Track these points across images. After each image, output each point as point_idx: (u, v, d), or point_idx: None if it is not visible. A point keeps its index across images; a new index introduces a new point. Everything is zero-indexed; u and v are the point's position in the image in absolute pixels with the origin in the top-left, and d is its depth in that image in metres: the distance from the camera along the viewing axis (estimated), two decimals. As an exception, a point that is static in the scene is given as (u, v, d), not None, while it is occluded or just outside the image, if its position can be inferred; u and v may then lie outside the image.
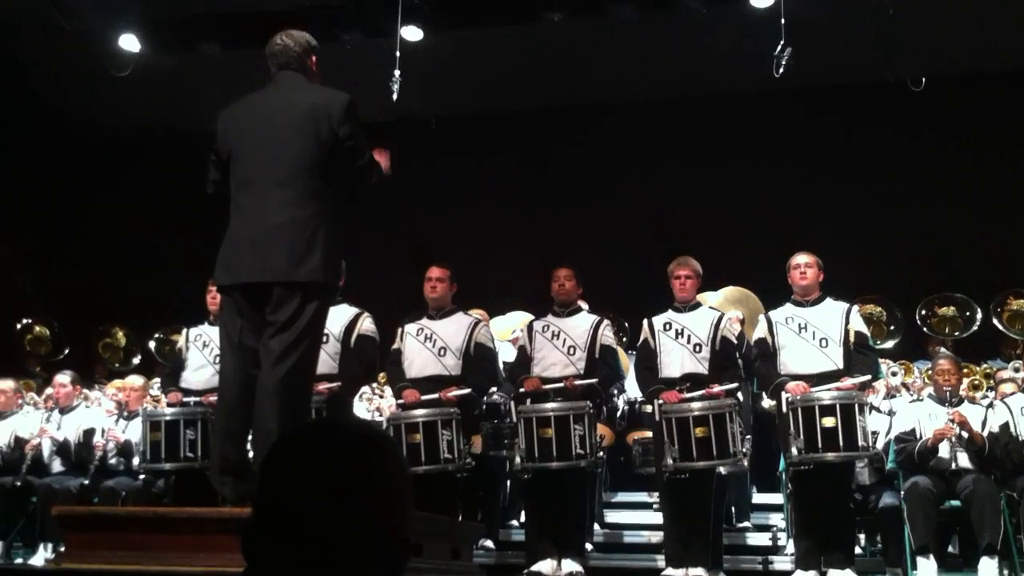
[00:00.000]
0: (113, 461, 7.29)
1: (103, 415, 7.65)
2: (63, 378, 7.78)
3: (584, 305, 6.90)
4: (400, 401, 6.15)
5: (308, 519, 1.27)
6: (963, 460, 6.12)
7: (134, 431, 7.08)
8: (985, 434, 6.16)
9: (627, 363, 7.33)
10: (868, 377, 5.81)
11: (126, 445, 7.20)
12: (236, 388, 3.74)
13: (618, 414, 7.65)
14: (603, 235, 10.94)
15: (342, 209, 3.88)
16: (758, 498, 7.92)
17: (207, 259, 3.98)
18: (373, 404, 7.98)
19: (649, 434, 6.58)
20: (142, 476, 6.98)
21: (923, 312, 9.63)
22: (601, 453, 6.17)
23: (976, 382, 7.93)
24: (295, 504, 1.28)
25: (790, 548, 6.50)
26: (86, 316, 11.14)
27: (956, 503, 6.09)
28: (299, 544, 1.27)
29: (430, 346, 6.16)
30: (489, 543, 6.96)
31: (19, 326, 11.01)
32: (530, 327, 6.41)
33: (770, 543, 7.09)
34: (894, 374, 7.87)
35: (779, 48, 8.01)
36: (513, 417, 6.06)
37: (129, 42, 9.83)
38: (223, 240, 3.83)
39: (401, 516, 1.32)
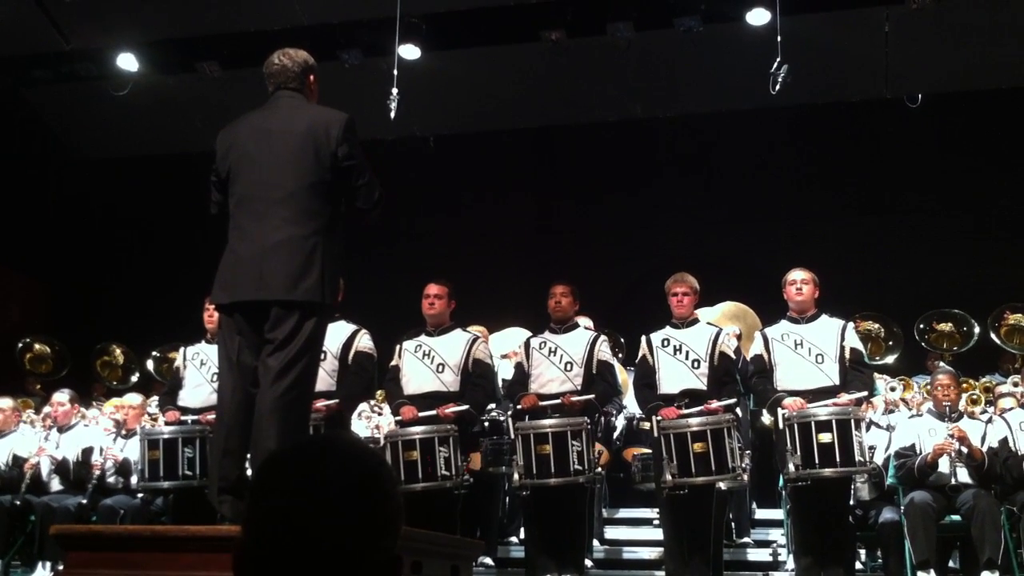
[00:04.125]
0: (112, 480, 7.27)
1: (101, 434, 7.63)
2: (61, 396, 7.77)
3: (587, 321, 6.91)
4: (398, 418, 6.15)
5: (299, 537, 1.26)
6: (963, 475, 6.12)
7: (132, 450, 7.07)
8: (984, 449, 6.16)
9: (625, 378, 7.33)
10: (864, 393, 5.82)
11: (124, 463, 7.19)
12: (234, 407, 3.74)
13: (615, 433, 7.66)
14: (601, 252, 10.97)
15: (341, 228, 3.88)
16: (758, 514, 7.92)
17: (206, 278, 3.99)
18: (372, 422, 7.96)
19: (649, 450, 6.58)
20: (140, 495, 6.96)
21: (921, 327, 9.65)
22: (599, 469, 6.17)
23: (975, 397, 7.94)
24: (286, 522, 1.27)
25: (790, 564, 6.49)
26: (85, 335, 11.15)
27: (956, 518, 6.08)
28: (290, 562, 1.26)
29: (428, 363, 6.17)
30: (488, 560, 6.94)
31: (20, 345, 11.01)
32: (527, 344, 6.42)
33: (770, 559, 7.08)
34: (892, 389, 7.87)
35: (775, 65, 8.05)
36: (511, 434, 6.06)
37: (127, 61, 9.87)
38: (221, 259, 3.84)
39: (393, 533, 1.32)
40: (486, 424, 6.87)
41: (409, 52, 9.32)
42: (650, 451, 6.37)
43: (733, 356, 6.14)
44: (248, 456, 3.79)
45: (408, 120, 9.35)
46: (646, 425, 6.52)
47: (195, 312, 6.55)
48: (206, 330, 6.36)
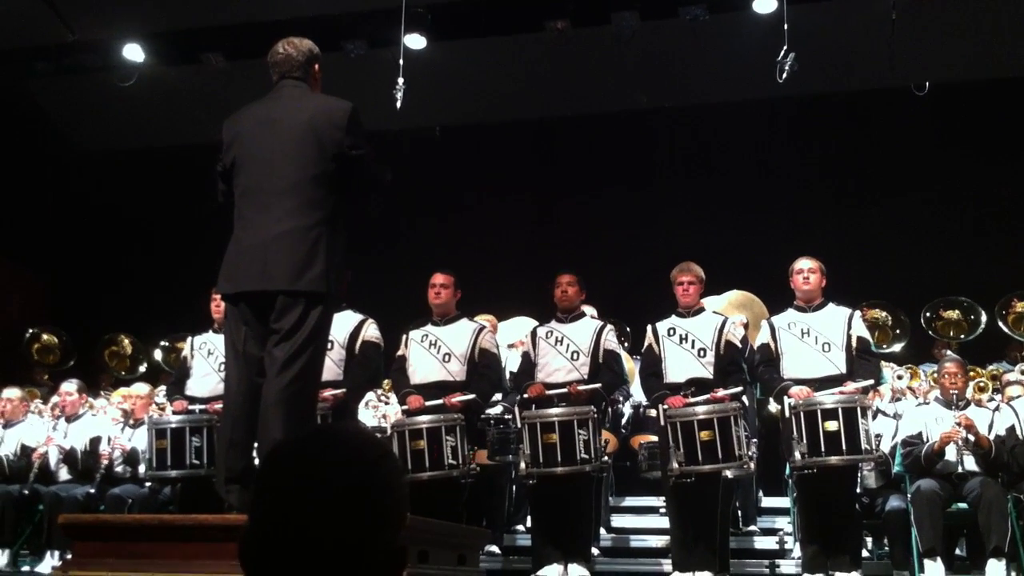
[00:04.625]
0: (119, 469, 7.30)
1: (109, 423, 7.67)
2: (69, 387, 7.80)
3: (591, 310, 6.91)
4: (405, 407, 6.16)
5: (305, 528, 1.26)
6: (970, 463, 6.11)
7: (140, 439, 7.10)
8: (992, 437, 6.15)
9: (631, 367, 7.33)
10: (871, 382, 5.82)
11: (132, 453, 7.22)
12: (241, 397, 3.75)
13: (623, 420, 7.66)
14: (607, 241, 10.95)
15: (345, 217, 3.88)
16: (765, 502, 7.92)
17: (210, 270, 3.99)
18: (379, 411, 7.98)
19: (656, 438, 6.58)
20: (148, 484, 6.99)
21: (928, 315, 9.62)
22: (606, 458, 6.17)
23: (982, 384, 7.92)
24: (292, 513, 1.27)
25: (797, 552, 6.50)
26: (87, 328, 11.16)
27: (963, 506, 6.08)
28: (296, 553, 1.27)
29: (435, 352, 6.17)
30: (495, 549, 6.96)
31: (27, 335, 11.04)
32: (534, 333, 6.42)
33: (777, 547, 7.08)
34: (900, 377, 7.86)
35: (782, 54, 8.01)
36: (518, 423, 6.07)
37: (133, 52, 9.87)
38: (226, 249, 3.84)
39: (398, 524, 1.32)
40: (491, 422, 6.86)
41: (414, 42, 9.28)
42: (657, 439, 6.37)
43: (739, 345, 6.13)
44: (255, 446, 3.80)
45: (414, 110, 9.32)
46: (653, 413, 6.52)
47: (198, 306, 6.56)
48: (213, 320, 6.38)
